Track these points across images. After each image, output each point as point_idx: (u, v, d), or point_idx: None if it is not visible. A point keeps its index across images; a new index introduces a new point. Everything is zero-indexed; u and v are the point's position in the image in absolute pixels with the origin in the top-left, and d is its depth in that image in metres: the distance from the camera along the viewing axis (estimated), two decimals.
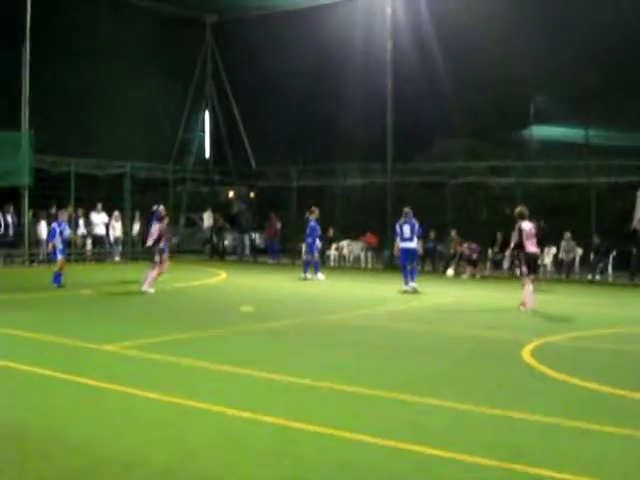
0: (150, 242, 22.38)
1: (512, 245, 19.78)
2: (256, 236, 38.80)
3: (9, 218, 32.05)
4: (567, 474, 6.75)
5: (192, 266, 32.03)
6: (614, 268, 27.84)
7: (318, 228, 27.64)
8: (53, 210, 31.25)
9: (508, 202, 29.18)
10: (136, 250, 36.57)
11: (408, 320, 17.41)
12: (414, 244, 23.41)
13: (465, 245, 29.20)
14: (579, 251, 28.49)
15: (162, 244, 22.37)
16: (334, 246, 34.27)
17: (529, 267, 18.80)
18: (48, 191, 31.85)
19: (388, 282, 25.65)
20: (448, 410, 9.07)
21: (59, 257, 23.11)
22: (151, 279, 21.95)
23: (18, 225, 32.38)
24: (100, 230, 34.97)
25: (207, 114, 42.20)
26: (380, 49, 33.43)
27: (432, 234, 30.71)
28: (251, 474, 6.83)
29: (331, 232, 34.01)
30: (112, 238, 35.37)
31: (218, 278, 27.69)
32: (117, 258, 35.49)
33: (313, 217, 27.46)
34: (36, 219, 32.78)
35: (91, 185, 34.84)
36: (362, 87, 33.62)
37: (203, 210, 40.74)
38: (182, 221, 40.61)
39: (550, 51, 29.78)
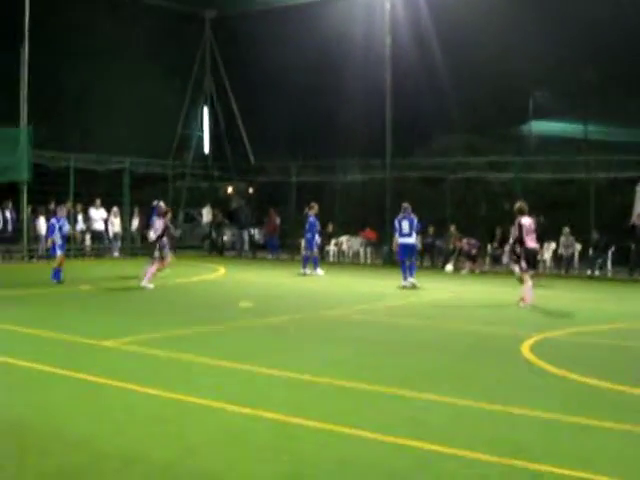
0: (154, 237, 22.41)
1: (511, 240, 19.76)
2: (255, 232, 38.78)
3: (8, 214, 32.08)
4: (567, 469, 6.75)
5: (191, 262, 32.03)
6: (613, 263, 27.84)
7: (317, 223, 27.64)
8: (52, 206, 31.24)
9: (507, 197, 29.20)
10: (135, 246, 36.60)
11: (407, 315, 17.40)
12: (413, 239, 23.41)
13: (464, 241, 29.21)
14: (578, 246, 28.49)
15: (165, 239, 22.47)
16: (333, 242, 34.27)
17: (528, 263, 18.80)
18: (47, 187, 31.83)
19: (387, 277, 25.66)
20: (447, 406, 9.07)
21: (58, 253, 23.07)
22: (150, 274, 21.97)
23: (17, 221, 32.40)
24: (99, 226, 34.97)
25: (206, 109, 42.19)
26: (379, 44, 33.40)
27: (431, 229, 30.71)
28: (251, 470, 6.83)
29: (330, 228, 34.01)
30: (111, 234, 35.37)
31: (217, 274, 27.70)
32: (116, 254, 35.47)
33: (312, 212, 27.46)
34: (35, 215, 32.77)
35: (90, 180, 34.84)
36: (361, 82, 33.63)
37: (202, 205, 40.75)
38: (181, 216, 40.59)
39: (549, 46, 29.79)
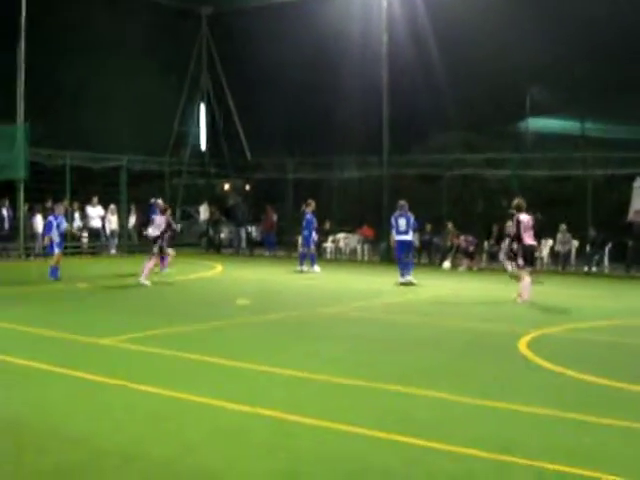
0: (157, 233, 22.53)
1: (509, 237, 19.76)
2: (252, 229, 38.77)
3: (4, 212, 32.01)
4: (564, 466, 6.77)
5: (188, 259, 31.99)
6: (610, 260, 27.87)
7: (314, 220, 27.66)
8: (49, 204, 31.25)
9: (504, 194, 29.21)
10: (132, 243, 36.57)
11: (404, 312, 17.43)
12: (410, 237, 23.41)
13: (462, 238, 29.25)
14: (575, 243, 28.53)
15: (167, 235, 22.69)
16: (330, 239, 34.28)
17: (526, 259, 18.83)
18: (44, 184, 31.83)
19: (384, 275, 25.65)
20: (445, 402, 9.09)
21: (56, 251, 23.07)
22: (147, 271, 22.02)
23: (14, 219, 32.34)
24: (96, 223, 34.95)
25: (203, 106, 42.17)
26: (376, 42, 33.38)
27: (428, 227, 30.74)
28: (249, 467, 6.85)
29: (327, 225, 34.02)
30: (108, 231, 35.34)
31: (214, 271, 27.69)
32: (113, 251, 35.44)
33: (309, 209, 27.47)
34: (31, 212, 32.74)
35: (87, 178, 34.85)
36: (358, 79, 33.63)
37: (199, 203, 40.73)
38: (178, 214, 40.56)
39: (546, 43, 29.77)
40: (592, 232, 27.93)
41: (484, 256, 30.10)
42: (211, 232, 39.19)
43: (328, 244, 34.21)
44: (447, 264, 28.85)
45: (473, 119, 33.86)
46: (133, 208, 36.70)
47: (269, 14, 36.37)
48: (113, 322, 15.40)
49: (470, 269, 28.63)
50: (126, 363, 11.35)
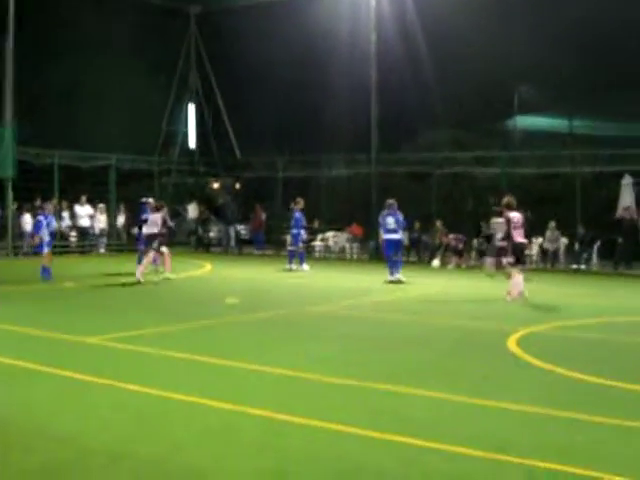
0: (155, 230, 22.62)
1: (499, 235, 19.77)
2: (241, 227, 38.73)
3: None
4: (554, 464, 6.75)
5: (177, 258, 31.81)
6: (599, 257, 27.93)
7: (303, 219, 27.65)
8: (37, 202, 31.19)
9: (493, 192, 29.24)
10: (121, 242, 36.52)
11: (393, 311, 17.42)
12: (398, 235, 23.44)
13: (451, 236, 29.30)
14: (564, 240, 28.57)
15: (164, 231, 22.91)
16: (319, 237, 34.27)
17: (517, 257, 18.83)
18: (32, 183, 31.80)
19: (373, 273, 25.66)
20: (434, 401, 9.07)
21: (45, 250, 23.00)
22: (143, 268, 22.26)
23: (2, 217, 32.28)
24: (85, 222, 34.88)
25: (192, 105, 42.11)
26: (365, 40, 33.44)
27: (417, 225, 30.76)
28: (237, 466, 6.81)
29: (316, 223, 34.00)
30: (97, 230, 35.27)
31: (203, 270, 27.66)
32: (102, 250, 35.39)
33: (298, 208, 27.46)
34: (20, 211, 32.66)
35: (75, 177, 34.78)
36: (347, 78, 33.65)
37: (188, 202, 40.67)
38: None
39: (534, 41, 29.86)
40: (581, 230, 27.99)
41: (473, 254, 30.12)
42: (200, 231, 39.14)
43: (317, 242, 34.19)
44: (436, 262, 28.84)
45: (462, 117, 33.92)
46: (122, 207, 36.64)
47: (258, 13, 36.38)
48: (101, 321, 15.35)
49: (459, 267, 28.66)
50: (114, 362, 11.29)
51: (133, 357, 11.66)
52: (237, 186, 42.26)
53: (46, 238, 23.02)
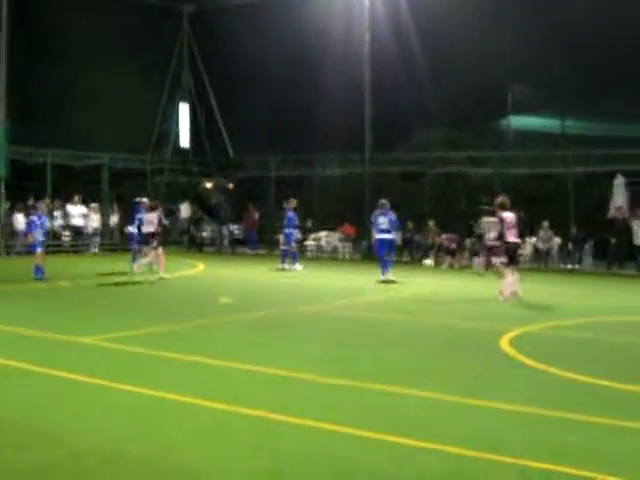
0: (152, 229, 22.73)
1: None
2: (234, 227, 38.69)
3: None
4: (549, 464, 6.75)
5: (170, 257, 31.82)
6: (592, 257, 27.97)
7: (296, 218, 27.64)
8: (30, 201, 31.14)
9: (486, 192, 29.25)
10: (114, 241, 36.46)
11: (386, 310, 17.42)
12: (391, 235, 23.48)
13: (444, 236, 29.32)
14: (557, 240, 28.60)
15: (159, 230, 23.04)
16: (312, 236, 34.25)
17: (510, 257, 18.85)
18: (25, 182, 31.73)
19: (366, 273, 25.66)
20: (427, 401, 9.07)
21: (38, 250, 22.96)
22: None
23: None
24: (78, 221, 34.82)
25: (185, 104, 42.08)
26: (358, 39, 33.47)
27: (410, 224, 30.77)
28: (231, 466, 6.81)
29: (309, 223, 34.01)
30: (90, 229, 35.21)
31: (197, 269, 27.64)
32: (95, 250, 35.32)
33: (291, 207, 27.46)
34: (12, 210, 32.61)
35: (68, 176, 34.72)
36: (341, 77, 33.66)
37: (181, 201, 40.62)
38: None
39: (527, 41, 29.90)
40: (574, 230, 28.04)
41: (466, 254, 30.13)
42: (193, 230, 39.10)
43: (310, 242, 34.18)
44: (429, 261, 28.89)
45: (455, 116, 33.92)
46: (115, 206, 36.60)
47: (251, 12, 36.36)
48: (94, 321, 15.32)
49: (452, 267, 28.68)
50: (107, 362, 11.27)
51: (126, 357, 11.64)
52: (230, 185, 42.21)
53: (39, 238, 22.99)
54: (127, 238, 28.77)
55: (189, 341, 13.02)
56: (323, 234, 34.26)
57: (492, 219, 22.73)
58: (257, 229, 37.03)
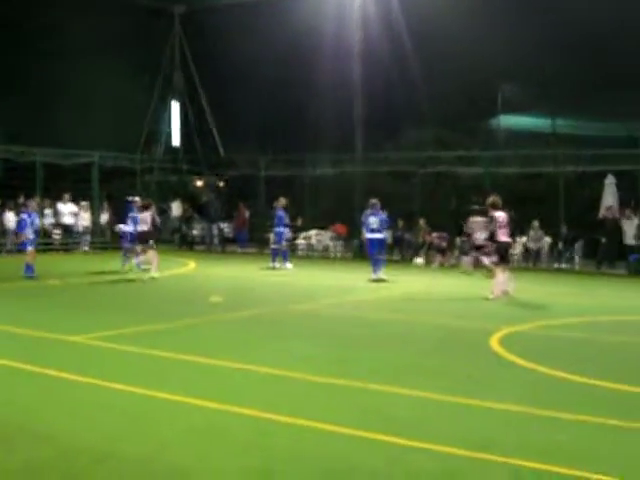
0: (145, 228, 22.77)
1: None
2: (225, 226, 38.66)
3: None
4: (539, 463, 6.78)
5: (161, 256, 31.75)
6: (582, 257, 28.03)
7: (286, 217, 27.63)
8: (21, 200, 31.09)
9: (477, 192, 29.29)
10: (105, 240, 36.41)
11: (377, 309, 17.44)
12: (381, 235, 23.49)
13: (434, 235, 29.35)
14: (547, 240, 28.66)
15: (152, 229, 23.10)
16: (302, 235, 34.24)
17: (501, 257, 18.89)
18: (15, 181, 31.68)
19: (357, 272, 25.66)
20: (418, 400, 9.09)
21: (29, 248, 22.93)
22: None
23: None
24: (68, 220, 34.77)
25: (176, 103, 42.05)
26: (349, 39, 33.44)
27: (400, 223, 30.79)
28: (223, 465, 6.82)
29: (300, 222, 33.96)
30: (80, 228, 35.15)
31: (187, 268, 27.61)
32: (85, 248, 35.25)
33: (280, 206, 27.45)
34: (2, 209, 32.55)
35: (57, 175, 34.65)
36: (331, 76, 33.64)
37: (172, 199, 40.57)
38: None
39: (517, 41, 29.92)
40: (564, 229, 28.10)
41: (456, 252, 30.15)
42: (184, 229, 39.06)
43: (300, 241, 34.17)
44: (420, 260, 28.92)
45: (445, 115, 33.96)
46: (105, 205, 36.57)
47: (242, 11, 36.34)
48: (84, 319, 15.32)
49: (442, 265, 28.71)
50: (98, 361, 11.27)
51: (117, 356, 11.64)
52: (221, 184, 42.18)
53: (30, 236, 22.96)
54: (118, 236, 28.69)
55: (180, 340, 13.02)
56: (313, 232, 34.24)
57: (480, 219, 22.83)
58: (247, 228, 37.01)
